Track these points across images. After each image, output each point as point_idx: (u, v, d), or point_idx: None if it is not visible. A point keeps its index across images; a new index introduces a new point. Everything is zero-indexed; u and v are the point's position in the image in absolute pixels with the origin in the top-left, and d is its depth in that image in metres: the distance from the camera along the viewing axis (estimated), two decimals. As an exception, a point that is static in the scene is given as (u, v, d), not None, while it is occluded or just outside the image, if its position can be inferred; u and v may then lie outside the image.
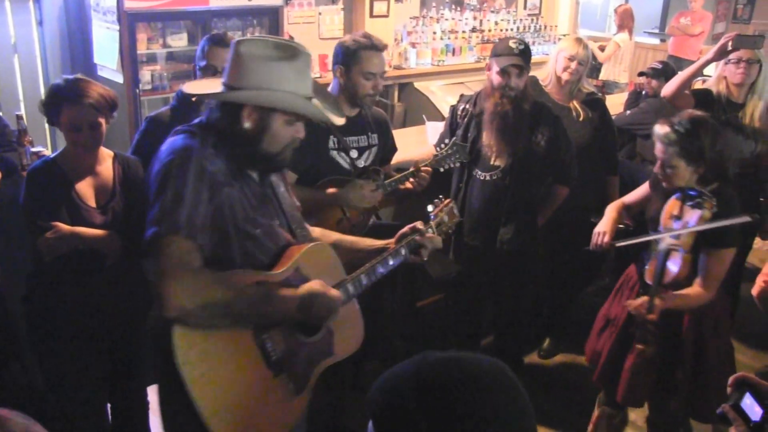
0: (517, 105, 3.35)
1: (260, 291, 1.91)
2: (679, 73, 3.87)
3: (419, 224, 2.35)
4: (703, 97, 3.86)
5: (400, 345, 3.85)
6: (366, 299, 3.36)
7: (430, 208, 2.46)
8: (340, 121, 2.15)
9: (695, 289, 2.79)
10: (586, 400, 3.49)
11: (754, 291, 2.99)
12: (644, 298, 2.73)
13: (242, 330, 1.92)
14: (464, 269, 3.76)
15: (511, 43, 3.33)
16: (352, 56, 2.99)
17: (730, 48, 3.63)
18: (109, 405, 2.92)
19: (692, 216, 2.68)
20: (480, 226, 3.56)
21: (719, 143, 2.74)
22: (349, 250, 2.35)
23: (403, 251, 2.31)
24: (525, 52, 3.34)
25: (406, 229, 2.35)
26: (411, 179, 3.14)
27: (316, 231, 2.37)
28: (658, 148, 2.78)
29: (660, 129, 2.78)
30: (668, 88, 3.82)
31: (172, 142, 1.95)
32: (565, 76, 3.78)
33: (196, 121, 2.04)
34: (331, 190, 3.00)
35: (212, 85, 2.05)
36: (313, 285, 1.99)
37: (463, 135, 3.49)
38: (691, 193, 2.71)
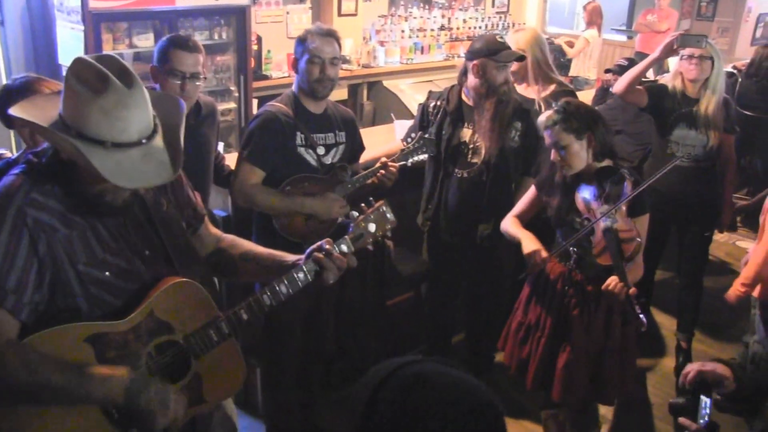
0: (511, 97, 3.42)
1: (74, 376, 1.63)
2: (629, 70, 3.94)
3: (327, 242, 1.99)
4: (657, 92, 3.94)
5: (370, 344, 3.84)
6: (334, 298, 3.40)
7: (354, 213, 2.11)
8: (131, 185, 1.68)
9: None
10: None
11: (732, 297, 2.99)
12: (615, 278, 2.70)
13: None
14: (440, 266, 3.77)
15: (499, 38, 3.36)
16: (301, 44, 3.00)
17: (675, 47, 3.74)
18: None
19: (623, 189, 2.75)
20: (458, 224, 3.56)
21: (600, 123, 2.83)
22: (258, 265, 2.10)
23: (300, 276, 1.97)
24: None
25: (314, 246, 2.00)
26: (378, 174, 3.13)
27: (226, 240, 2.18)
28: (546, 136, 2.86)
29: (542, 117, 2.89)
30: (619, 85, 3.92)
31: (2, 181, 1.70)
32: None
33: (41, 147, 1.79)
34: (299, 200, 3.00)
35: (49, 105, 1.70)
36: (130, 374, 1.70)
37: (437, 132, 3.47)
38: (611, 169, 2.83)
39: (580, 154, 2.81)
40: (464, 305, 3.94)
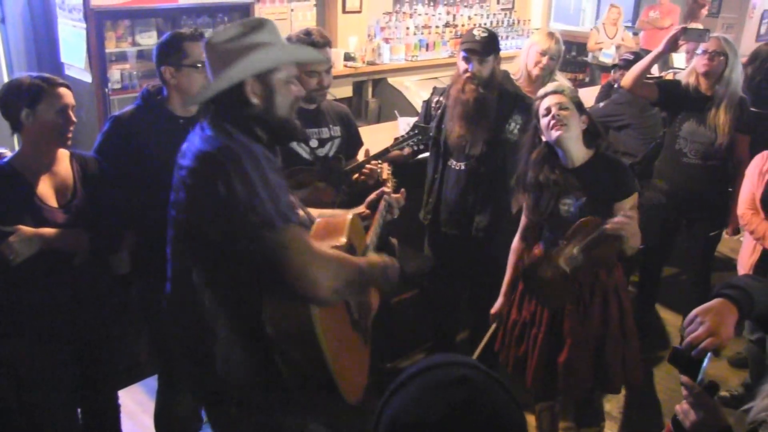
0: (480, 93, 3.35)
1: (362, 262, 2.10)
2: (635, 65, 3.91)
3: (386, 188, 2.61)
4: (669, 86, 3.92)
5: (374, 342, 3.82)
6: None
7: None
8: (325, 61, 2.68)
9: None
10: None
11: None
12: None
13: None
14: (440, 260, 3.75)
15: (475, 31, 3.38)
16: None
17: (679, 41, 3.72)
18: (79, 409, 2.88)
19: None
20: (456, 216, 3.56)
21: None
22: None
23: (385, 211, 2.55)
24: (487, 40, 3.34)
25: (372, 195, 2.58)
26: (365, 168, 3.11)
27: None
28: (552, 98, 2.85)
29: (549, 85, 2.99)
30: (626, 80, 3.88)
31: (201, 154, 1.89)
32: (535, 71, 3.79)
33: (207, 122, 2.00)
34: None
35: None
36: (380, 258, 2.20)
37: (437, 126, 3.51)
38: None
39: (574, 122, 2.82)
40: (467, 302, 3.92)
